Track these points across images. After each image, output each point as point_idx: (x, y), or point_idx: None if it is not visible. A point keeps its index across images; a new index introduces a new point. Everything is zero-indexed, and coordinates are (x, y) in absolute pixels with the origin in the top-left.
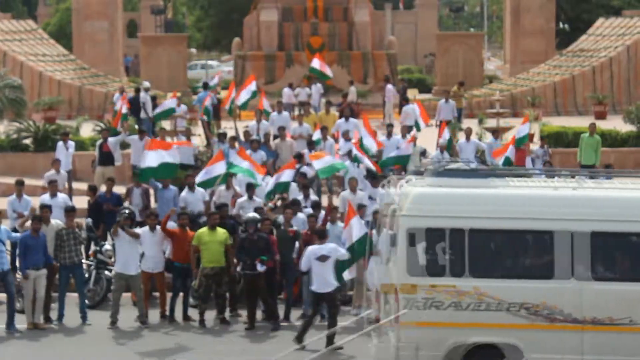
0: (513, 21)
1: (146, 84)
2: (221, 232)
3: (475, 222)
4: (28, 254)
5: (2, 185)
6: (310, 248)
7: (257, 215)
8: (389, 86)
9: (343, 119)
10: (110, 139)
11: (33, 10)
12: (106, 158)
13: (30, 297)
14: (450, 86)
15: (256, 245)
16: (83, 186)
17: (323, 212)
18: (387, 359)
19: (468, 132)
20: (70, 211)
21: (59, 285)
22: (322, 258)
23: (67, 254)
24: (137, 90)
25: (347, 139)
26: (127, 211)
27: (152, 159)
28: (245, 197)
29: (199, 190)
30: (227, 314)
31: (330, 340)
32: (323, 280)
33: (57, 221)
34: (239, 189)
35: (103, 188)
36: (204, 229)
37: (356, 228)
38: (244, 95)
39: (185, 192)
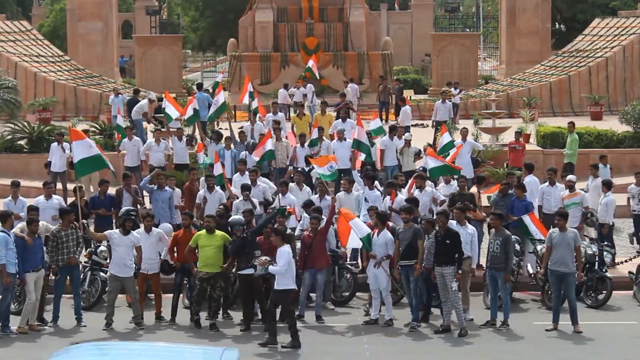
0: (508, 21)
1: (152, 96)
2: (219, 235)
3: None
4: (26, 256)
5: None
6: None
7: (242, 218)
8: (351, 86)
9: (340, 120)
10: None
11: (27, 11)
12: None
13: (33, 299)
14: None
15: (247, 246)
16: None
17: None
18: None
19: (464, 133)
20: (66, 213)
21: (55, 287)
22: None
23: (65, 255)
24: (136, 92)
25: (343, 139)
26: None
27: (80, 151)
28: (240, 199)
29: (219, 191)
30: (219, 318)
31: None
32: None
33: (43, 223)
34: (235, 190)
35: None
36: (203, 232)
37: (358, 229)
38: (246, 97)
39: (203, 192)
